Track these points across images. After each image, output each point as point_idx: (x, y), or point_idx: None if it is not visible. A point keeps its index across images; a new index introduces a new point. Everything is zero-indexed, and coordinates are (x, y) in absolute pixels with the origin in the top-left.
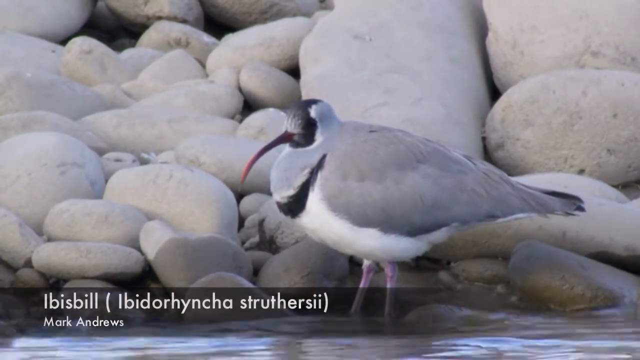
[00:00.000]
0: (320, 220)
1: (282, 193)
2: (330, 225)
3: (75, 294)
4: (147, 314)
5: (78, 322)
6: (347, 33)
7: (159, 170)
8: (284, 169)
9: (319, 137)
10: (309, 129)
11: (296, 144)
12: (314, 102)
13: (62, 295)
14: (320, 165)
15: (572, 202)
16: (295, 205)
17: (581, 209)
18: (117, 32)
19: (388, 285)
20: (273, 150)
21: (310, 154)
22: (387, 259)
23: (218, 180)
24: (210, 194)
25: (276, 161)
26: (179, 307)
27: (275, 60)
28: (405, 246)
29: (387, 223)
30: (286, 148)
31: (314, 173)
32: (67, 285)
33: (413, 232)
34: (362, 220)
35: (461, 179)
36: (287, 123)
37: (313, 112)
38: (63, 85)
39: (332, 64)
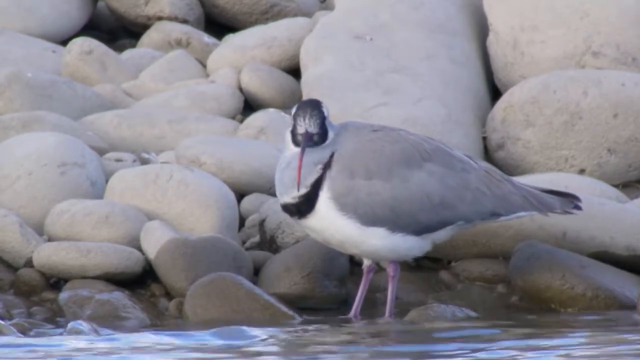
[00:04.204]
0: (327, 220)
1: (294, 193)
2: (338, 224)
3: (75, 293)
4: (147, 313)
5: (78, 322)
6: (347, 33)
7: (160, 171)
8: (295, 168)
9: (330, 136)
10: (323, 127)
11: (314, 144)
12: (318, 101)
13: (63, 295)
14: (328, 163)
15: (570, 201)
16: (305, 205)
17: (578, 207)
18: (118, 32)
19: (390, 285)
20: (277, 152)
21: (321, 151)
22: (393, 258)
23: (218, 180)
24: (211, 194)
25: (282, 164)
26: (179, 306)
27: (276, 61)
28: (411, 245)
29: (394, 222)
30: (289, 150)
31: (324, 171)
32: (68, 285)
33: (419, 231)
34: (369, 219)
35: (465, 178)
36: (304, 124)
37: (325, 110)
38: (63, 86)
39: (332, 64)
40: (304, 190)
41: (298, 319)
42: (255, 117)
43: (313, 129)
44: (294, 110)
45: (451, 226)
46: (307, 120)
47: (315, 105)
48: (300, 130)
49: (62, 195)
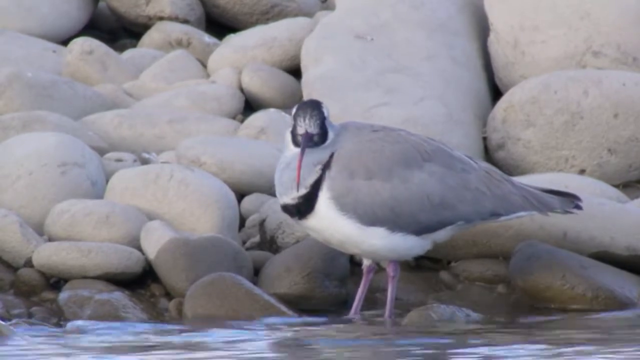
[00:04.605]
0: (327, 220)
1: (294, 194)
2: (338, 224)
3: (75, 293)
4: (147, 313)
5: (79, 322)
6: (348, 33)
7: (160, 171)
8: (295, 168)
9: (330, 136)
10: (323, 128)
11: (314, 144)
12: (318, 101)
13: (63, 295)
14: (327, 164)
15: (570, 201)
16: (304, 205)
17: (579, 207)
18: (119, 32)
19: (390, 285)
20: (277, 152)
21: (321, 152)
22: (393, 258)
23: (219, 180)
24: (211, 194)
25: (281, 164)
26: (179, 307)
27: (277, 61)
28: (411, 245)
29: (394, 222)
30: (289, 150)
31: (324, 171)
32: (68, 285)
33: (419, 230)
34: (369, 219)
35: (465, 178)
36: (304, 124)
37: (325, 111)
38: (64, 85)
39: (333, 64)
40: (303, 191)
41: (297, 319)
42: (256, 117)
43: (313, 129)
44: (294, 111)
45: (451, 226)
46: (307, 121)
47: (315, 106)
48: (300, 130)
49: (63, 195)
